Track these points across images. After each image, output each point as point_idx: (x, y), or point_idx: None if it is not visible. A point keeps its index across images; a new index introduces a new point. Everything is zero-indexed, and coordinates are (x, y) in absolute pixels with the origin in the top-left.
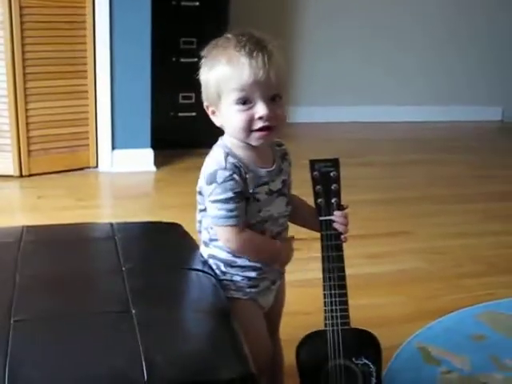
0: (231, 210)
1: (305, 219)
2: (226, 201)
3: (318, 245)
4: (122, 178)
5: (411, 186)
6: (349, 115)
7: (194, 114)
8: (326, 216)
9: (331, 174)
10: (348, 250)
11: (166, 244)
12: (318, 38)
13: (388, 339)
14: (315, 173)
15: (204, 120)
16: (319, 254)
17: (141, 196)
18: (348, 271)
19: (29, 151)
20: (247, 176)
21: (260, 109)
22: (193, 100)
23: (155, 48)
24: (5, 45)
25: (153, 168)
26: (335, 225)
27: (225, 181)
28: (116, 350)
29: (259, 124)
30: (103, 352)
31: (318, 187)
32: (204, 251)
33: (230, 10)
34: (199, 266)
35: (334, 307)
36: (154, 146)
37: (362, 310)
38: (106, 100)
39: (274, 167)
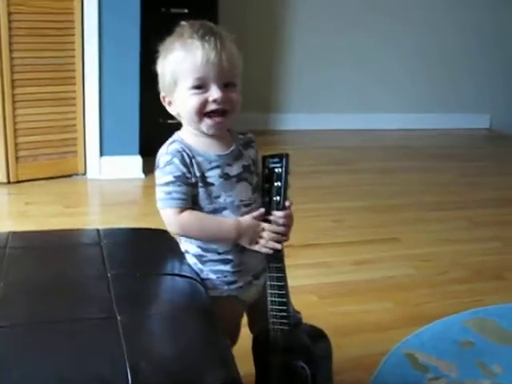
0: (169, 193)
1: None
2: (165, 184)
3: (306, 251)
4: (110, 184)
5: (400, 192)
6: (337, 123)
7: None
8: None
9: (276, 171)
10: (336, 256)
11: (151, 250)
12: (307, 45)
13: (375, 346)
14: (265, 170)
15: None
16: (307, 261)
17: (129, 203)
18: (336, 278)
19: (17, 158)
20: (193, 161)
21: (214, 92)
22: None
23: (144, 54)
24: None
25: (141, 175)
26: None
27: (165, 165)
28: (101, 356)
29: (212, 106)
30: (88, 358)
31: (266, 185)
32: (181, 247)
33: (218, 16)
34: (184, 272)
35: (273, 313)
36: (142, 153)
37: (350, 316)
38: (95, 106)
39: (227, 151)
